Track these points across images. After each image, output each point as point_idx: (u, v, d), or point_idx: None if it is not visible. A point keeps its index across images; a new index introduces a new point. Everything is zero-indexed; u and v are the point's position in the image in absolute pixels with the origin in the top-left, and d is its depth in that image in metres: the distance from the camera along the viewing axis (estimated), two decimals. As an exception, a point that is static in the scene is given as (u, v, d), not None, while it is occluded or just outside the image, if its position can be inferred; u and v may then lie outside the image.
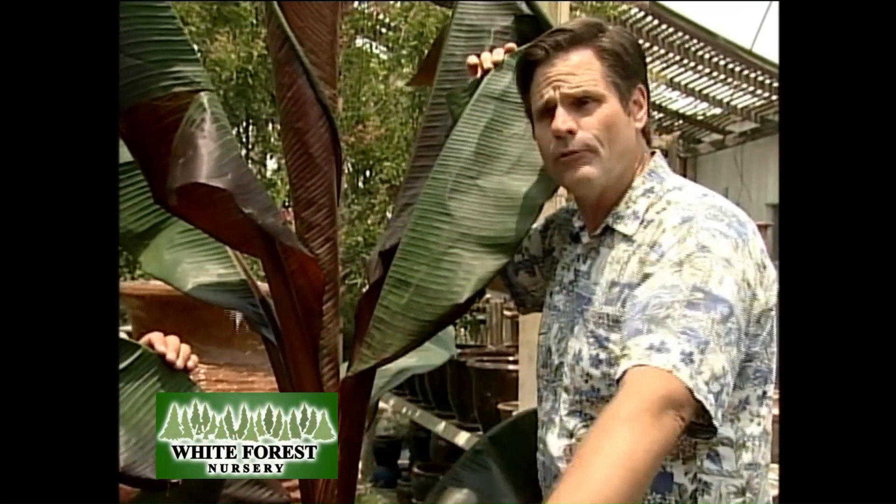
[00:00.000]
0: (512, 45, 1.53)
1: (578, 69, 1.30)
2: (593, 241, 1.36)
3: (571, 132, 1.29)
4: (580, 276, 1.37)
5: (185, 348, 1.49)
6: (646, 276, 1.22)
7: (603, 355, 1.27)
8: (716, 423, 1.12)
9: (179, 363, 1.46)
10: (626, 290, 1.26)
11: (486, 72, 1.52)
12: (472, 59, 1.53)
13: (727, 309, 1.15)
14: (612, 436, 1.06)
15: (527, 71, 1.36)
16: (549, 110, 1.32)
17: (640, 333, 1.14)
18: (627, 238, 1.30)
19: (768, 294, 1.24)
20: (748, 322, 1.21)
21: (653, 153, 1.39)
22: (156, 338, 1.48)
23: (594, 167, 1.30)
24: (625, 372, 1.12)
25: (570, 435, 1.32)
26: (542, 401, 1.41)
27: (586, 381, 1.29)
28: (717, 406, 1.12)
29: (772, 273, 1.26)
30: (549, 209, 1.56)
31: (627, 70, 1.32)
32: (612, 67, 1.31)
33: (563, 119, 1.29)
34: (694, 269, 1.18)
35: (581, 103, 1.30)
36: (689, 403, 1.10)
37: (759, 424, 1.26)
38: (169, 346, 1.47)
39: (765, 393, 1.27)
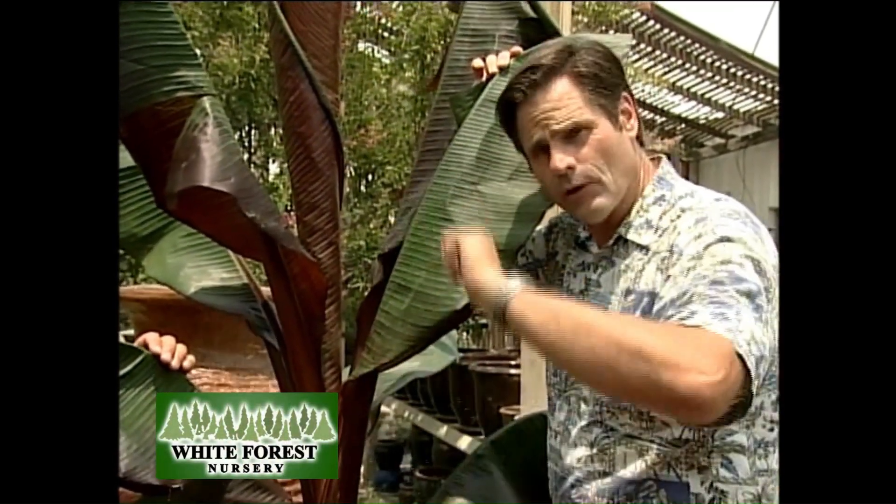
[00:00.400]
0: (518, 48, 1.53)
1: (561, 102, 1.28)
2: (606, 251, 1.36)
3: (571, 168, 1.28)
4: (591, 285, 1.36)
5: (181, 348, 1.47)
6: (667, 277, 1.22)
7: None
8: (752, 387, 1.08)
9: (175, 364, 1.44)
10: (644, 298, 1.25)
11: (490, 76, 1.51)
12: (478, 63, 1.53)
13: (754, 286, 1.14)
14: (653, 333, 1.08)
15: (508, 113, 1.35)
16: (542, 148, 1.31)
17: (666, 315, 1.14)
18: (642, 248, 1.30)
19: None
20: (771, 309, 1.16)
21: (658, 159, 1.38)
22: (151, 338, 1.46)
23: (603, 197, 1.30)
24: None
25: (591, 445, 1.31)
26: (555, 410, 1.40)
27: None
28: (755, 368, 1.08)
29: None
30: (552, 212, 1.56)
31: (608, 86, 1.31)
32: (594, 90, 1.29)
33: (559, 158, 1.28)
34: (713, 256, 1.17)
35: (572, 134, 1.28)
36: (732, 353, 1.06)
37: (772, 430, 1.26)
38: (164, 346, 1.45)
39: (777, 398, 1.26)
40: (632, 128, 1.33)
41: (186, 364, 1.46)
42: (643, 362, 1.03)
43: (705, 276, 1.15)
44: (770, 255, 1.21)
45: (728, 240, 1.19)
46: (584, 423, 1.32)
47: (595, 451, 1.30)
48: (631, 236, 1.32)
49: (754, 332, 1.10)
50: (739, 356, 1.06)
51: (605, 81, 1.30)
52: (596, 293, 1.34)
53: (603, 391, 1.24)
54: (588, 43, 1.34)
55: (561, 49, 1.32)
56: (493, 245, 1.27)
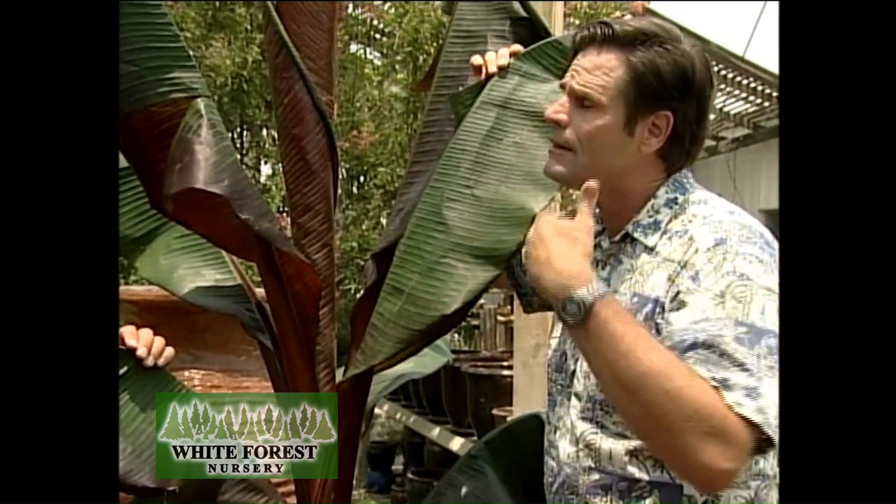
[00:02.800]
0: (518, 46, 1.51)
1: (595, 70, 1.27)
2: (612, 248, 1.34)
3: (558, 123, 1.29)
4: None
5: (159, 342, 1.45)
6: (682, 303, 1.20)
7: None
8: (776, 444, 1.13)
9: (150, 361, 1.42)
10: (649, 303, 1.24)
11: (490, 76, 1.49)
12: (477, 60, 1.51)
13: (774, 340, 1.14)
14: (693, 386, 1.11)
15: (574, 52, 1.33)
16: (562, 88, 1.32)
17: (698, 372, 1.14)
18: (649, 249, 1.28)
19: None
20: None
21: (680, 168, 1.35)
22: (127, 332, 1.43)
23: (563, 167, 1.30)
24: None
25: (578, 440, 1.31)
26: (555, 405, 1.40)
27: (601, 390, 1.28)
28: (777, 429, 1.12)
29: None
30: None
31: (648, 92, 1.25)
32: (630, 83, 1.25)
33: (555, 108, 1.30)
34: (736, 301, 1.16)
35: (582, 102, 1.28)
36: (750, 438, 1.11)
37: None
38: (140, 340, 1.43)
39: None
40: (649, 144, 1.28)
41: (162, 361, 1.44)
42: (690, 434, 1.09)
43: (728, 331, 1.14)
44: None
45: (749, 279, 1.17)
46: (575, 417, 1.32)
47: (581, 446, 1.30)
48: (638, 235, 1.30)
49: (775, 398, 1.12)
50: (767, 435, 1.11)
51: (648, 88, 1.26)
52: None
53: (635, 428, 1.22)
54: (670, 47, 1.27)
55: (642, 31, 1.27)
56: (589, 231, 1.22)
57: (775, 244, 1.24)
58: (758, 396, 1.11)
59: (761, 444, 1.13)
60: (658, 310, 1.23)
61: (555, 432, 1.39)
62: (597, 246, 1.38)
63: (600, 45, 1.28)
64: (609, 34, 1.27)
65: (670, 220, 1.29)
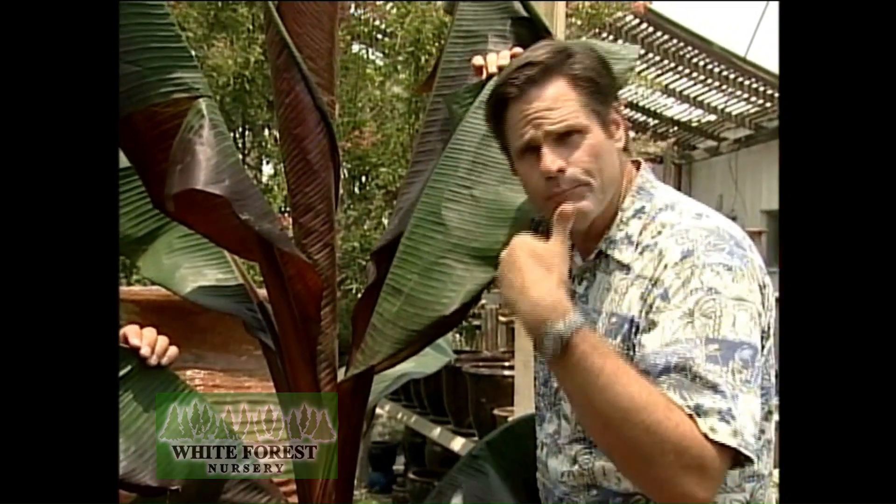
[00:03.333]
0: (518, 48, 1.51)
1: (556, 102, 1.25)
2: (588, 264, 1.33)
3: (562, 171, 1.25)
4: (577, 299, 1.33)
5: (162, 342, 1.45)
6: (652, 323, 1.19)
7: None
8: (756, 462, 1.14)
9: (153, 360, 1.42)
10: (625, 323, 1.24)
11: (490, 76, 1.49)
12: (478, 60, 1.51)
13: (748, 351, 1.14)
14: (670, 419, 1.09)
15: (499, 109, 1.31)
16: (531, 149, 1.27)
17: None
18: (623, 266, 1.27)
19: (770, 314, 1.23)
20: (765, 335, 1.21)
21: (638, 164, 1.36)
22: (130, 331, 1.43)
23: (588, 201, 1.26)
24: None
25: (574, 461, 1.31)
26: (543, 421, 1.40)
27: None
28: (756, 445, 1.13)
29: (770, 289, 1.25)
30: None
31: (603, 93, 1.28)
32: (590, 94, 1.26)
33: (551, 158, 1.25)
34: (705, 318, 1.15)
35: (564, 137, 1.25)
36: (726, 459, 1.11)
37: (759, 440, 1.24)
38: (144, 339, 1.43)
39: (770, 411, 1.26)
40: (620, 138, 1.31)
41: (165, 360, 1.44)
42: (669, 467, 1.08)
43: (698, 351, 1.13)
44: (756, 282, 1.21)
45: (717, 292, 1.16)
46: (565, 440, 1.32)
47: (576, 466, 1.30)
48: (611, 252, 1.29)
49: (753, 412, 1.12)
50: (746, 456, 1.11)
51: (601, 87, 1.28)
52: (583, 308, 1.31)
53: (613, 458, 1.21)
54: (584, 47, 1.31)
55: (558, 49, 1.29)
56: (564, 257, 1.20)
57: (747, 243, 1.24)
58: (732, 419, 1.10)
59: (740, 462, 1.13)
60: (634, 330, 1.22)
61: (543, 449, 1.39)
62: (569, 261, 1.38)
63: (538, 82, 1.26)
64: (541, 69, 1.26)
65: (641, 232, 1.28)
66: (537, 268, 1.16)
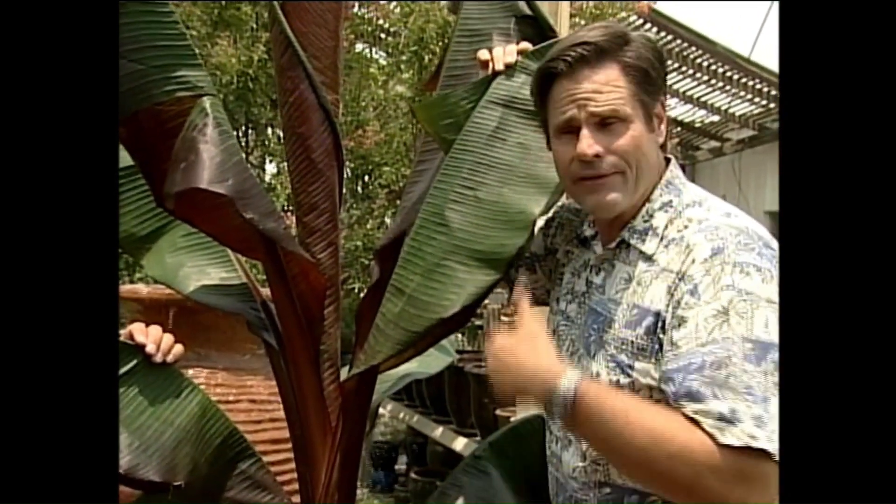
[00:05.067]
0: (526, 44, 1.49)
1: (605, 87, 1.23)
2: (607, 254, 1.32)
3: (599, 156, 1.23)
4: (594, 289, 1.33)
5: (167, 339, 1.45)
6: (682, 319, 1.18)
7: (625, 381, 1.23)
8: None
9: (158, 357, 1.42)
10: (648, 316, 1.22)
11: (496, 73, 1.48)
12: (484, 54, 1.49)
13: (777, 353, 1.13)
14: (691, 446, 1.11)
15: (545, 83, 1.28)
16: (571, 129, 1.25)
17: (704, 398, 1.12)
18: (647, 257, 1.26)
19: None
20: None
21: (668, 160, 1.34)
22: (136, 328, 1.43)
23: (620, 192, 1.25)
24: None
25: (584, 456, 1.30)
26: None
27: None
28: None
29: None
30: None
31: (653, 86, 1.26)
32: (639, 84, 1.25)
33: (588, 142, 1.23)
34: (739, 317, 1.15)
35: (606, 123, 1.24)
36: (768, 463, 1.10)
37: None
38: (149, 337, 1.43)
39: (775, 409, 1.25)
40: (661, 133, 1.29)
41: (170, 358, 1.44)
42: (711, 486, 1.10)
43: (736, 348, 1.13)
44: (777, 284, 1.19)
45: (749, 293, 1.16)
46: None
47: (589, 461, 1.29)
48: (634, 242, 1.28)
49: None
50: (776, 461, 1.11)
51: (652, 80, 1.26)
52: (599, 299, 1.31)
53: (654, 490, 1.22)
54: (643, 36, 1.29)
55: (616, 33, 1.26)
56: (540, 325, 1.22)
57: (774, 244, 1.23)
58: (763, 424, 1.10)
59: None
60: (659, 324, 1.21)
61: (557, 443, 1.37)
62: (587, 248, 1.38)
63: (592, 64, 1.24)
64: (595, 49, 1.24)
65: (667, 226, 1.27)
66: (522, 346, 1.19)
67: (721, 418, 1.11)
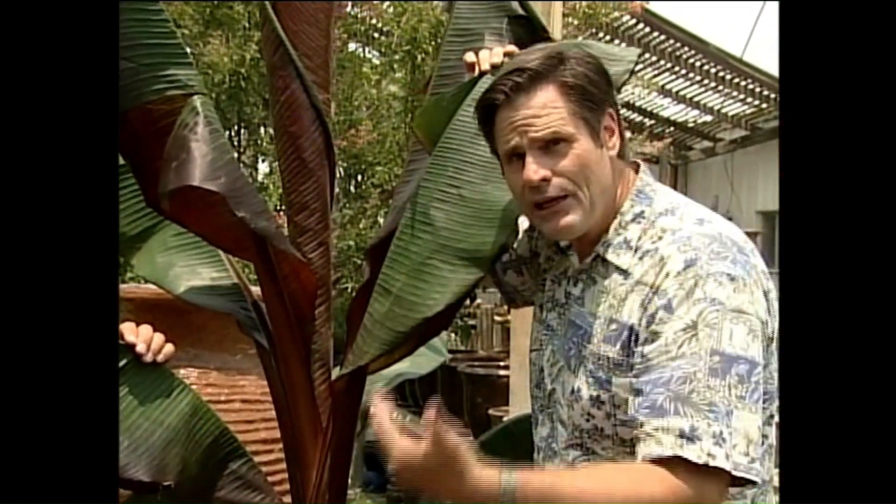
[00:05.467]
0: (512, 47, 1.49)
1: (543, 110, 1.22)
2: (584, 266, 1.32)
3: (546, 180, 1.23)
4: (572, 301, 1.33)
5: (158, 339, 1.44)
6: (655, 334, 1.18)
7: (605, 396, 1.24)
8: (756, 481, 1.15)
9: (149, 357, 1.41)
10: (625, 331, 1.22)
11: (482, 73, 1.47)
12: (470, 57, 1.49)
13: (745, 366, 1.14)
14: (643, 484, 1.12)
15: (487, 114, 1.29)
16: (517, 155, 1.25)
17: (666, 413, 1.13)
18: (622, 271, 1.26)
19: (775, 322, 1.22)
20: (768, 356, 1.20)
21: (637, 166, 1.33)
22: (126, 328, 1.43)
23: (575, 214, 1.24)
24: (657, 458, 1.13)
25: (580, 448, 1.30)
26: (538, 424, 1.39)
27: (588, 420, 1.27)
28: (754, 465, 1.13)
29: (774, 294, 1.23)
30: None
31: (594, 100, 1.25)
32: (579, 102, 1.23)
33: (534, 168, 1.22)
34: (709, 329, 1.15)
35: (550, 145, 1.23)
36: (726, 481, 1.12)
37: (762, 444, 1.23)
38: (139, 336, 1.42)
39: (772, 415, 1.25)
40: (613, 146, 1.28)
41: (161, 357, 1.43)
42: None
43: (702, 363, 1.14)
44: (760, 288, 1.20)
45: (720, 303, 1.16)
46: (562, 445, 1.31)
47: (582, 450, 1.29)
48: (609, 257, 1.27)
49: (749, 433, 1.13)
50: (740, 477, 1.12)
51: (592, 95, 1.25)
52: (578, 311, 1.31)
53: None
54: (580, 53, 1.29)
55: (550, 55, 1.26)
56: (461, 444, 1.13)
57: (749, 247, 1.23)
58: (723, 442, 1.11)
59: (736, 482, 1.14)
60: (634, 337, 1.21)
61: (540, 454, 1.38)
62: (564, 255, 1.37)
63: (527, 90, 1.24)
64: (530, 76, 1.24)
65: (640, 237, 1.26)
66: (443, 471, 1.12)
67: (681, 435, 1.12)
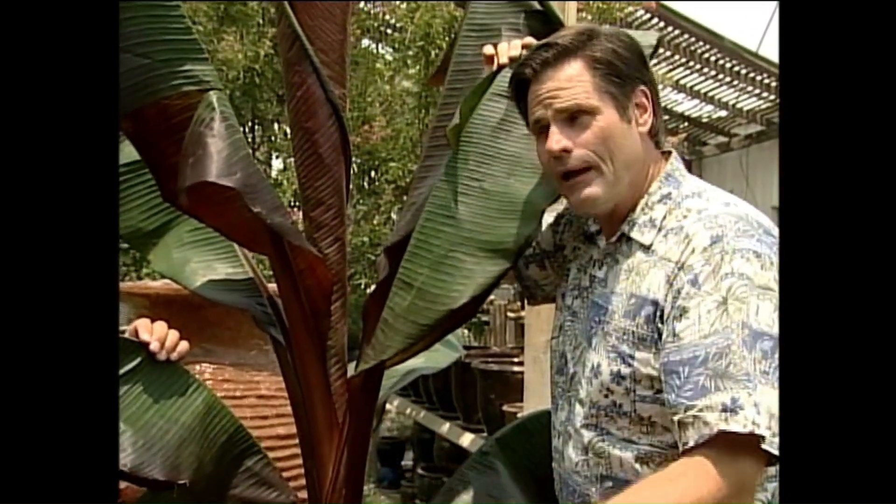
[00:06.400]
0: (530, 39, 1.49)
1: (569, 83, 1.25)
2: (609, 248, 1.33)
3: (567, 150, 1.25)
4: (596, 283, 1.34)
5: (173, 336, 1.44)
6: (683, 310, 1.18)
7: (626, 371, 1.24)
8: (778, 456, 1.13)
9: (162, 355, 1.41)
10: (647, 305, 1.23)
11: (500, 66, 1.48)
12: (489, 50, 1.49)
13: (769, 343, 1.14)
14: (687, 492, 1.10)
15: (520, 91, 1.33)
16: (543, 129, 1.28)
17: (708, 392, 1.13)
18: (645, 248, 1.27)
19: None
20: None
21: (668, 153, 1.35)
22: (141, 325, 1.43)
23: (597, 186, 1.26)
24: (708, 438, 1.12)
25: (586, 450, 1.30)
26: (557, 409, 1.39)
27: (606, 396, 1.27)
28: (776, 439, 1.12)
29: None
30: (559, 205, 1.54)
31: (622, 75, 1.27)
32: (605, 76, 1.25)
33: (556, 139, 1.25)
34: (738, 303, 1.15)
35: (574, 118, 1.25)
36: (762, 457, 1.11)
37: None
38: (154, 334, 1.42)
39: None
40: (644, 122, 1.29)
41: (175, 355, 1.43)
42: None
43: (735, 335, 1.14)
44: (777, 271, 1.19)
45: (748, 278, 1.16)
46: (579, 424, 1.31)
47: (591, 454, 1.29)
48: (633, 234, 1.28)
49: (769, 404, 1.12)
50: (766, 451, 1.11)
51: (619, 70, 1.26)
52: (601, 292, 1.31)
53: None
54: (611, 30, 1.30)
55: (581, 32, 1.28)
56: None
57: (775, 231, 1.23)
58: (762, 411, 1.11)
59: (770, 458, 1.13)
60: (658, 313, 1.21)
61: (559, 438, 1.37)
62: (593, 244, 1.39)
63: (554, 64, 1.27)
64: (557, 51, 1.27)
65: (665, 217, 1.27)
66: None
67: (724, 409, 1.11)
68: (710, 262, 1.18)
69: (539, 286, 1.55)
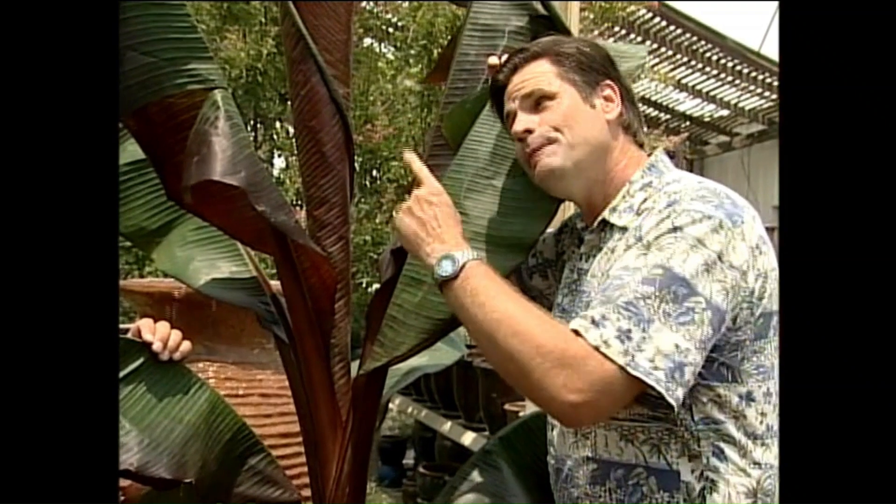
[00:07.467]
0: None
1: (532, 74, 1.34)
2: (593, 238, 1.36)
3: (529, 131, 1.32)
4: (581, 275, 1.36)
5: (175, 336, 1.45)
6: (621, 257, 1.22)
7: None
8: (668, 398, 1.12)
9: (165, 355, 1.42)
10: None
11: None
12: (493, 60, 1.51)
13: (684, 289, 1.14)
14: (558, 340, 1.13)
15: (498, 97, 1.41)
16: (513, 120, 1.36)
17: (591, 308, 1.16)
18: (622, 230, 1.30)
19: (764, 282, 1.21)
20: (731, 305, 1.18)
21: (654, 150, 1.38)
22: (144, 325, 1.44)
23: (555, 155, 1.31)
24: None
25: (574, 432, 1.32)
26: None
27: None
28: (669, 381, 1.12)
29: (771, 262, 1.23)
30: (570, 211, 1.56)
31: (585, 67, 1.34)
32: (569, 67, 1.33)
33: (519, 120, 1.33)
34: (659, 250, 1.17)
35: (538, 104, 1.33)
36: (630, 382, 1.11)
37: (761, 423, 1.24)
38: (157, 334, 1.42)
39: (769, 389, 1.25)
40: (610, 111, 1.34)
41: (178, 355, 1.44)
42: (538, 369, 1.12)
43: (639, 274, 1.16)
44: (746, 242, 1.19)
45: (681, 230, 1.17)
46: None
47: (579, 436, 1.31)
48: (613, 219, 1.31)
49: (662, 345, 1.12)
50: (633, 376, 1.11)
51: (583, 63, 1.34)
52: (585, 281, 1.34)
53: (499, 372, 1.24)
54: (581, 38, 1.41)
55: (553, 39, 1.38)
56: (441, 194, 1.32)
57: (749, 211, 1.23)
58: (627, 339, 1.11)
59: (642, 393, 1.13)
60: None
61: (552, 429, 1.40)
62: (582, 243, 1.40)
63: (523, 65, 1.36)
64: (526, 55, 1.36)
65: (644, 201, 1.30)
66: (426, 210, 1.29)
67: (592, 321, 1.13)
68: (659, 223, 1.21)
69: (544, 296, 1.56)
